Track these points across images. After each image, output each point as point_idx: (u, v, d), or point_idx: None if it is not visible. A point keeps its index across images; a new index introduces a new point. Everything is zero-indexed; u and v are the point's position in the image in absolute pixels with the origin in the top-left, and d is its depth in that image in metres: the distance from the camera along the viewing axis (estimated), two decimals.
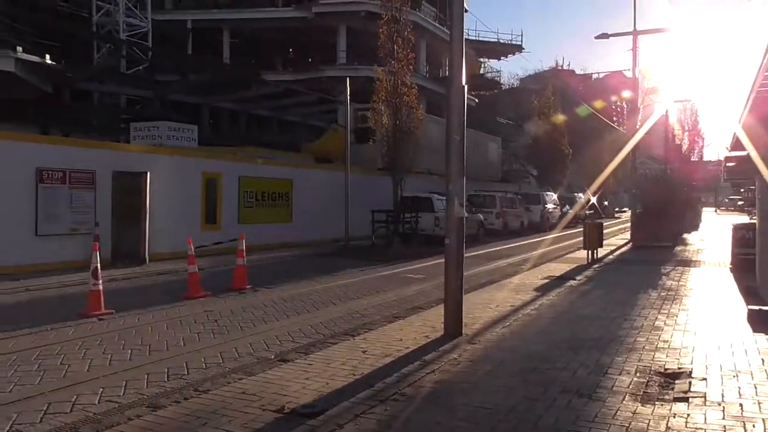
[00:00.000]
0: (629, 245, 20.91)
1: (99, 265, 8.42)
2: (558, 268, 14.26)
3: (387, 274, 13.52)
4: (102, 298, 8.47)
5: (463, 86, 7.46)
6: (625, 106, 53.93)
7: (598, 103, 45.80)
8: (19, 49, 19.06)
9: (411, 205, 20.04)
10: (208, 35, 41.02)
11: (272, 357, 6.37)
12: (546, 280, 12.25)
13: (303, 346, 6.84)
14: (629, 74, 25.86)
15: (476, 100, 48.53)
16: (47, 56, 20.28)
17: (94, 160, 13.26)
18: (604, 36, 23.87)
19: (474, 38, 50.94)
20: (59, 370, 5.79)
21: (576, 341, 6.76)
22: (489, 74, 53.15)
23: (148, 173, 13.88)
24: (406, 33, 19.56)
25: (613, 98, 52.51)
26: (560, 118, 38.04)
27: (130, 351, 6.57)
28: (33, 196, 12.08)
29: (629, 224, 23.87)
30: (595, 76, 68.78)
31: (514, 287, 11.36)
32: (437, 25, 41.42)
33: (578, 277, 12.52)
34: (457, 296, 7.41)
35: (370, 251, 17.82)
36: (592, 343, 6.64)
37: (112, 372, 5.78)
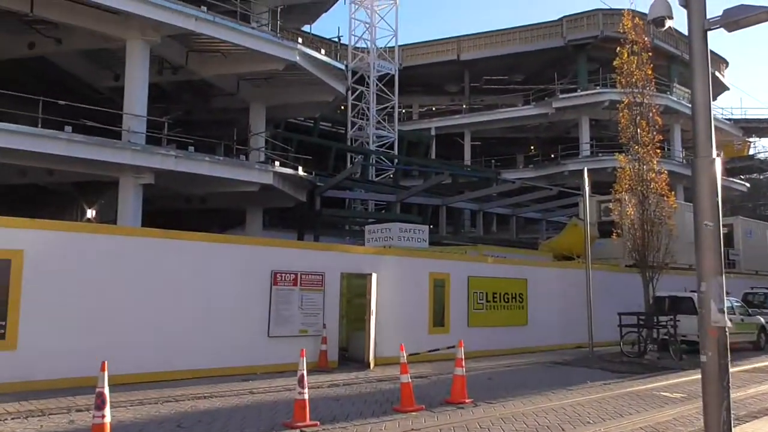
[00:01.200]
0: None
1: (305, 372, 8.05)
2: None
3: (636, 391, 11.35)
4: (307, 408, 8.03)
5: (712, 158, 5.87)
6: None
7: None
8: (277, 163, 21.17)
9: (667, 306, 17.31)
10: (450, 140, 42.62)
11: None
12: None
13: None
14: None
15: (746, 185, 42.56)
16: (299, 168, 22.25)
17: (324, 262, 13.57)
18: None
19: (739, 117, 45.56)
20: None
21: None
22: (762, 155, 46.61)
23: (374, 275, 13.80)
24: (650, 115, 17.72)
25: None
26: None
27: None
28: (267, 299, 12.59)
29: None
30: None
31: None
32: None
33: None
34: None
35: (617, 361, 15.52)
36: None
37: None
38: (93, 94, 23.70)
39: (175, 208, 24.59)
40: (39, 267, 10.04)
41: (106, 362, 6.35)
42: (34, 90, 17.75)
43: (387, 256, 15.17)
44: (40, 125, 16.60)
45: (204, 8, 19.07)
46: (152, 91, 24.35)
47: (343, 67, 23.52)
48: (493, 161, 42.60)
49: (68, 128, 16.47)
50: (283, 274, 12.84)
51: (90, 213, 22.80)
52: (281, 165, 21.64)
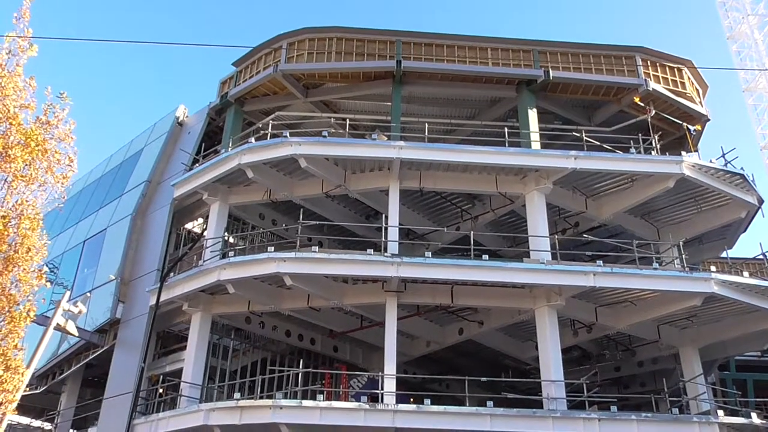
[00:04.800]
0: None
1: None
2: None
3: None
4: None
5: None
6: None
7: None
8: (721, 412, 18.02)
9: None
10: None
11: None
12: None
13: None
14: None
15: None
16: (754, 415, 18.44)
17: None
18: None
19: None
20: None
21: None
22: None
23: None
24: None
25: None
26: None
27: None
28: None
29: None
30: None
31: None
32: None
33: None
34: None
35: None
36: None
37: None
38: (520, 365, 24.89)
39: None
40: None
41: None
42: (467, 371, 19.59)
43: None
44: (467, 403, 17.84)
45: (600, 262, 19.14)
46: (574, 353, 24.54)
47: None
48: None
49: (490, 403, 17.22)
50: None
51: None
52: (729, 414, 18.34)
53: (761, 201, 22.36)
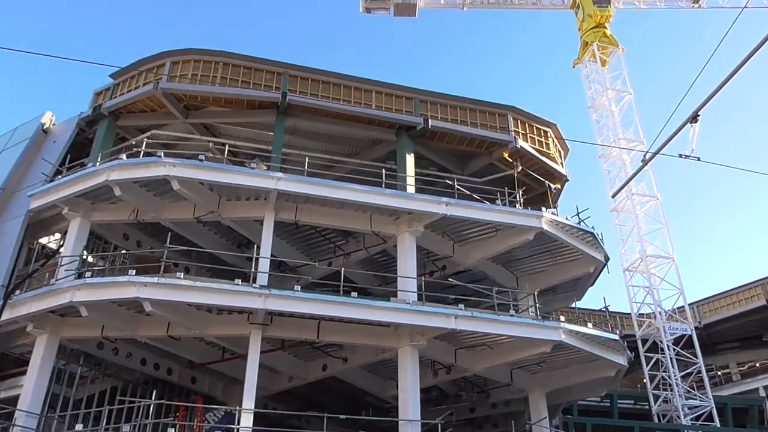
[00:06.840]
0: None
1: None
2: None
3: None
4: None
5: None
6: None
7: None
8: None
9: None
10: None
11: None
12: None
13: None
14: None
15: None
16: None
17: None
18: None
19: None
20: None
21: None
22: None
23: None
24: None
25: None
26: None
27: None
28: None
29: None
30: None
31: None
32: None
33: None
34: None
35: None
36: None
37: None
38: (380, 403, 25.16)
39: None
40: None
41: None
42: (329, 407, 19.54)
43: None
44: None
45: (462, 306, 19.96)
46: (433, 393, 25.21)
47: (615, 337, 21.83)
48: None
49: None
50: None
51: None
52: None
53: (607, 258, 24.43)
